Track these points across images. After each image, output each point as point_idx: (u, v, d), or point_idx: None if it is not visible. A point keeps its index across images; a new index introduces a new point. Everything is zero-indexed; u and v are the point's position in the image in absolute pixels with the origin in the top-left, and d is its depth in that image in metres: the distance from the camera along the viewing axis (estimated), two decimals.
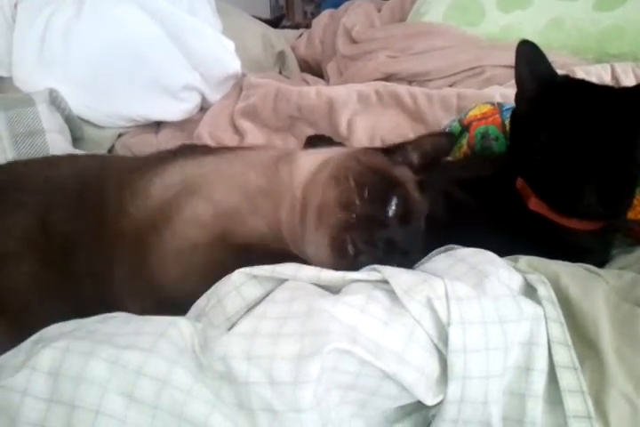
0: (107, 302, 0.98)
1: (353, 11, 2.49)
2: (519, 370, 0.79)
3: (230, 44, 2.04)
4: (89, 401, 0.71)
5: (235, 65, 2.02)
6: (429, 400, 0.77)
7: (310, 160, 1.11)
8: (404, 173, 1.06)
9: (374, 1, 2.60)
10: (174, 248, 1.00)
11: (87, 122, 1.85)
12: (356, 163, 1.04)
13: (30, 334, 0.83)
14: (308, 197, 1.04)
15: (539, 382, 0.78)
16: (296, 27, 3.44)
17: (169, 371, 0.73)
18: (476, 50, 2.05)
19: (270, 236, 1.03)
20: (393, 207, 0.98)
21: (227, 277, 0.87)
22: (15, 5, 1.90)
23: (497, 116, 1.44)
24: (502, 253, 0.95)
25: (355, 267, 0.91)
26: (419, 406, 0.80)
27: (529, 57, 1.14)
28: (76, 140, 1.84)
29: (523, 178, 1.12)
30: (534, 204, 1.09)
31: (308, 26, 2.91)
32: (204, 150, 1.25)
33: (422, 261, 0.97)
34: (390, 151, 1.09)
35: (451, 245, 0.96)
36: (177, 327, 0.80)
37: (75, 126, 1.79)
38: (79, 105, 1.81)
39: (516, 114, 1.21)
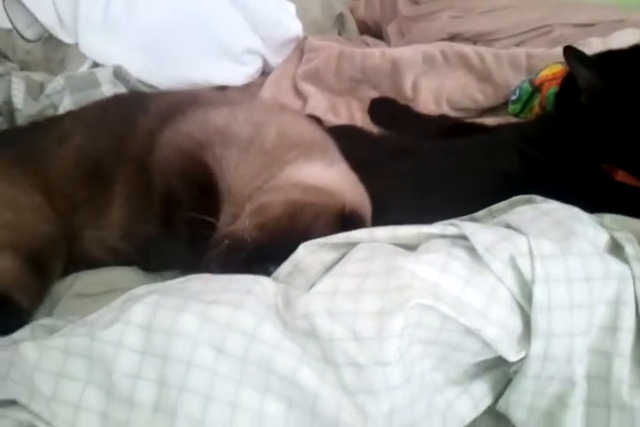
0: None
1: None
2: (605, 329, 0.78)
3: (291, 7, 2.02)
4: (181, 354, 0.73)
5: (296, 28, 2.00)
6: (512, 357, 0.77)
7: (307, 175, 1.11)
8: None
9: None
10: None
11: (151, 87, 1.86)
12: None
13: None
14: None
15: (626, 341, 0.77)
16: None
17: (257, 325, 0.75)
18: (544, 8, 1.99)
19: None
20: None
21: (300, 247, 0.89)
22: None
23: None
24: None
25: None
26: (499, 361, 0.81)
27: (580, 57, 1.12)
28: None
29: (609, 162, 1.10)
30: (622, 176, 1.06)
31: None
32: None
33: (500, 206, 0.96)
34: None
35: (532, 196, 0.94)
36: (261, 285, 0.82)
37: None
38: (143, 70, 1.83)
39: (592, 111, 1.15)
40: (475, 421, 0.83)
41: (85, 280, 1.16)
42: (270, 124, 1.16)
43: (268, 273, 0.91)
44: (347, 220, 1.02)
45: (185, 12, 1.85)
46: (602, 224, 0.89)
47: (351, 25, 2.43)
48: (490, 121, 1.55)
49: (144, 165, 1.16)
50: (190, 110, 1.19)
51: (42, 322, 0.96)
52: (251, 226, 1.00)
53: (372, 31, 2.46)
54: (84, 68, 1.87)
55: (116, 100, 1.43)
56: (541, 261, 0.77)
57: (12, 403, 0.75)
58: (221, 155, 1.10)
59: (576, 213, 0.87)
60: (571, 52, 1.12)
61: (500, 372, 0.83)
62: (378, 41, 2.30)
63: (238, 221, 1.03)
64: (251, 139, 1.12)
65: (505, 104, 1.60)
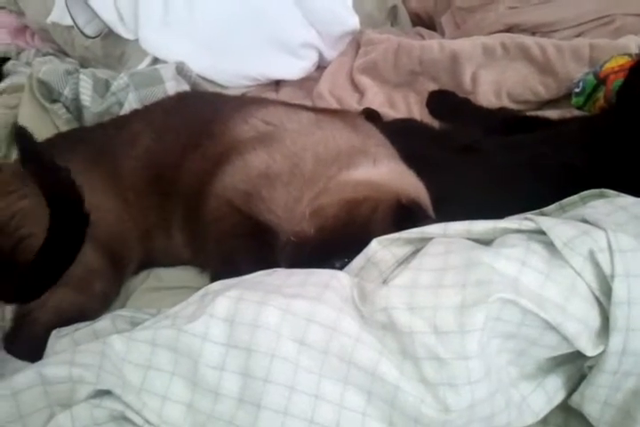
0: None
1: None
2: None
3: (348, 0, 2.02)
4: (264, 346, 0.76)
5: (353, 21, 1.99)
6: (590, 351, 0.77)
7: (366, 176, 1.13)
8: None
9: None
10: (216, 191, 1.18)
11: (213, 82, 1.89)
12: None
13: None
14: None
15: None
16: None
17: (337, 318, 0.77)
18: None
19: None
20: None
21: (373, 241, 0.90)
22: None
23: None
24: None
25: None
26: (572, 357, 0.81)
27: None
28: None
29: None
30: None
31: None
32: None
33: (572, 200, 0.95)
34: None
35: (604, 189, 0.93)
36: (338, 279, 0.84)
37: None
38: (206, 66, 1.86)
39: None
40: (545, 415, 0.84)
41: (159, 275, 1.20)
42: (306, 150, 1.18)
43: (334, 268, 0.93)
44: (405, 210, 1.03)
45: (243, 7, 1.87)
46: None
47: (404, 17, 2.41)
48: (551, 113, 1.54)
49: (197, 202, 1.20)
50: (234, 157, 1.21)
51: (121, 313, 0.99)
52: (311, 227, 1.02)
53: (425, 23, 2.43)
54: (145, 63, 1.91)
55: (178, 102, 1.45)
56: (621, 255, 0.77)
57: (106, 393, 0.78)
58: (268, 196, 1.13)
59: None
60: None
61: (574, 367, 0.83)
62: (432, 33, 2.28)
63: (301, 223, 1.06)
64: (291, 172, 1.15)
65: (566, 96, 1.58)
